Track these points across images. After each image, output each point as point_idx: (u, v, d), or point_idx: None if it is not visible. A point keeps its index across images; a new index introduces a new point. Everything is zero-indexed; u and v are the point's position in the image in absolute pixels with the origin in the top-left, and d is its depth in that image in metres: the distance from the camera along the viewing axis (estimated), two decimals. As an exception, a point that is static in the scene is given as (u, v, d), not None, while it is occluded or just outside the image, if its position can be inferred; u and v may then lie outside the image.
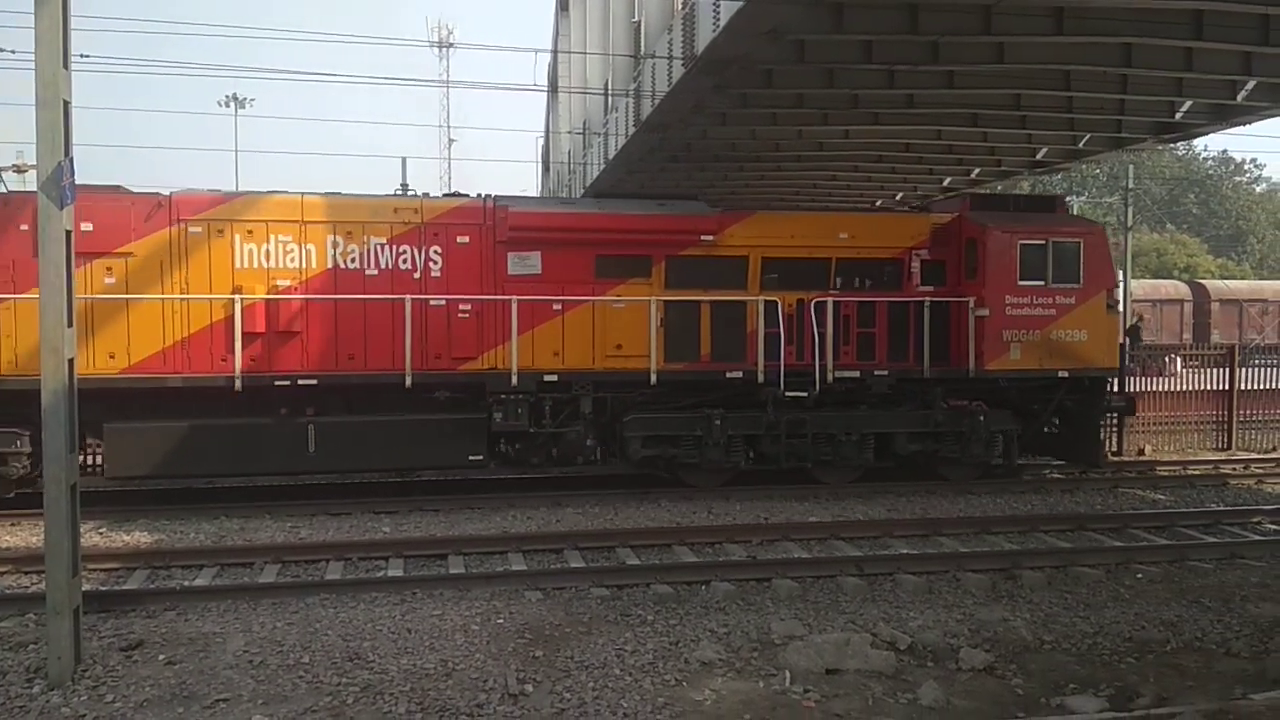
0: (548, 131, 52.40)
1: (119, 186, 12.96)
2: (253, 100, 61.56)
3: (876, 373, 13.97)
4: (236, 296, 12.38)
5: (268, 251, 12.72)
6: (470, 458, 13.04)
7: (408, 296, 12.73)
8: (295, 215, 12.85)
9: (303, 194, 12.98)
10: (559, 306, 13.29)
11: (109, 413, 12.18)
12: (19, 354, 11.94)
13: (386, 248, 13.00)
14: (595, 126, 33.98)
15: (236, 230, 12.64)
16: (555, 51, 45.33)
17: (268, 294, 12.59)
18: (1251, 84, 19.10)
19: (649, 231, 13.64)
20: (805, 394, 13.61)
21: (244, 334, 12.39)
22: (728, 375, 13.65)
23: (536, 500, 13.19)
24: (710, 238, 13.73)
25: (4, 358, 12.01)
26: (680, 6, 18.69)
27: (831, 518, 12.37)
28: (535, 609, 8.82)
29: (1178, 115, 21.50)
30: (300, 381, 12.57)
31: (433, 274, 13.11)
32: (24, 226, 11.85)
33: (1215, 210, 72.76)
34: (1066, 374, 14.31)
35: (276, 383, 12.55)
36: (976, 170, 29.96)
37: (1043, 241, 14.21)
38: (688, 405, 13.66)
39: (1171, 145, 42.06)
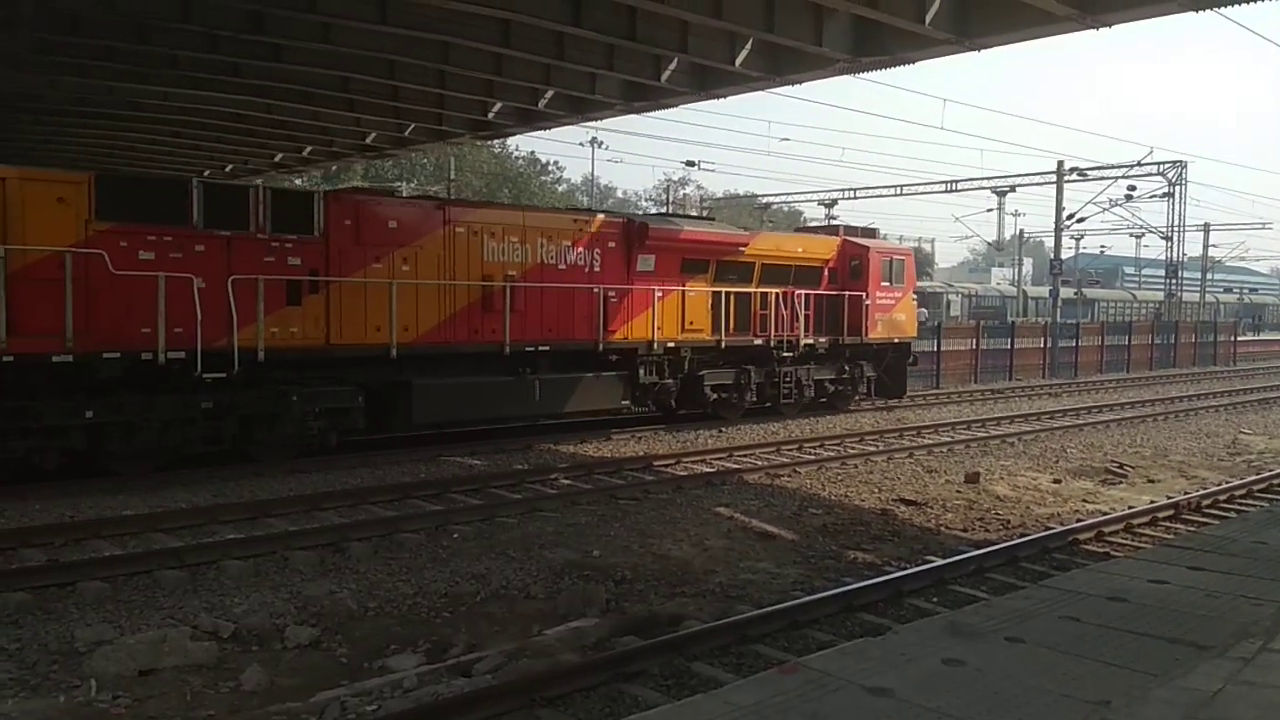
0: None
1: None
2: None
3: (820, 340, 20.97)
4: (507, 284, 15.72)
5: (504, 249, 16.00)
6: (622, 403, 17.84)
7: (598, 286, 17.00)
8: (520, 222, 16.48)
9: (523, 207, 17.52)
10: (661, 294, 18.12)
11: (402, 375, 14.85)
12: (344, 326, 14.07)
13: (570, 249, 16.91)
14: None
15: (486, 231, 15.83)
16: None
17: (508, 281, 15.79)
18: (550, 93, 21.67)
19: (717, 244, 19.41)
20: (791, 354, 20.29)
21: (496, 312, 15.61)
22: (755, 342, 19.65)
23: None
24: (744, 248, 19.63)
25: (332, 328, 13.96)
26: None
27: (149, 509, 11.44)
28: None
29: (490, 115, 23.63)
30: (541, 348, 16.32)
31: (595, 269, 17.19)
32: (347, 221, 14.16)
33: (525, 204, 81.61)
34: (898, 340, 22.71)
35: (526, 348, 16.09)
36: (309, 149, 30.00)
37: (889, 259, 22.60)
38: (727, 364, 19.42)
39: (488, 142, 46.09)
